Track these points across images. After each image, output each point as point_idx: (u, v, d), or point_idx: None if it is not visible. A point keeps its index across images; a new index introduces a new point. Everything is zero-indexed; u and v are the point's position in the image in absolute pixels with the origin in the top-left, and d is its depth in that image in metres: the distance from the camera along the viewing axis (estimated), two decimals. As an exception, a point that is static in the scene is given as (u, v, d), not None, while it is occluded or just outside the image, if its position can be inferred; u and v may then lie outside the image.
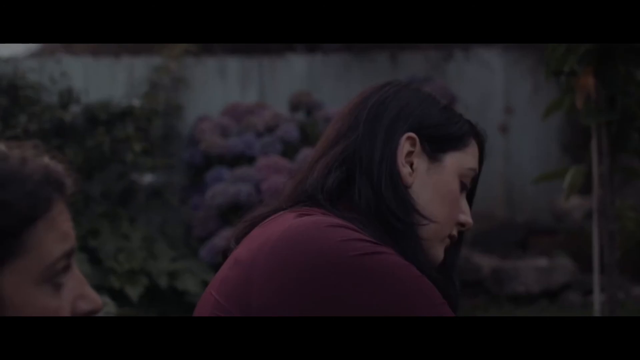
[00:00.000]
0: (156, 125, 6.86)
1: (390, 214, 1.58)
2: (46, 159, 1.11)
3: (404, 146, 1.64)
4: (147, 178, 6.83)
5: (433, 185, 1.65)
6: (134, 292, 6.11)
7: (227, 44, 7.52)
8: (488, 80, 8.05)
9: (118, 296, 5.92)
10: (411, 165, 1.65)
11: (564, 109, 2.71)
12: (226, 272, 1.54)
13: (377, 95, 1.69)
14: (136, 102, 6.79)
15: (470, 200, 1.73)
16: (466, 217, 1.69)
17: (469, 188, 1.71)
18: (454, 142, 1.67)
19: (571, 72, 2.57)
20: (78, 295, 1.10)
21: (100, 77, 7.00)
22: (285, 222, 1.53)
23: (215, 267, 5.24)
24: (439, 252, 1.65)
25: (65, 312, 1.08)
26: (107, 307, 4.23)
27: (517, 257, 7.36)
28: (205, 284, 6.04)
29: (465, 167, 1.68)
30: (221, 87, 7.35)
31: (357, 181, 1.61)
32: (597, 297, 2.81)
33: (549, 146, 8.01)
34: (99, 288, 6.05)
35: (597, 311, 2.81)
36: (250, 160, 6.57)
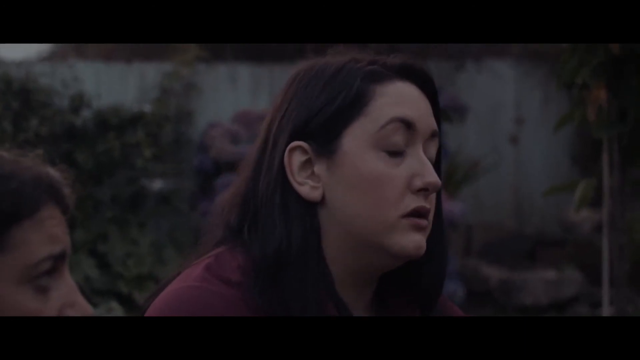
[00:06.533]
0: (166, 131, 6.87)
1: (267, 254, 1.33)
2: (44, 166, 1.10)
3: (292, 162, 1.34)
4: (157, 184, 6.84)
5: (343, 181, 1.34)
6: (142, 298, 6.12)
7: (238, 50, 7.52)
8: (499, 91, 8.04)
9: (126, 301, 5.92)
10: (313, 175, 1.35)
11: (576, 121, 2.70)
12: None
13: (279, 97, 1.40)
14: (147, 108, 6.81)
15: (430, 150, 1.38)
16: (423, 178, 1.34)
17: (430, 134, 1.37)
18: (344, 117, 1.34)
19: (583, 85, 2.57)
20: (67, 302, 1.08)
21: (112, 82, 7.01)
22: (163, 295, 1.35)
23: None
24: (401, 240, 1.34)
25: None
26: (115, 312, 4.24)
27: (525, 268, 7.35)
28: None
29: (374, 131, 1.34)
30: (232, 94, 7.35)
31: (247, 220, 1.36)
32: (606, 310, 2.80)
33: (559, 157, 8.00)
34: (107, 293, 6.06)
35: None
36: (260, 167, 6.56)
